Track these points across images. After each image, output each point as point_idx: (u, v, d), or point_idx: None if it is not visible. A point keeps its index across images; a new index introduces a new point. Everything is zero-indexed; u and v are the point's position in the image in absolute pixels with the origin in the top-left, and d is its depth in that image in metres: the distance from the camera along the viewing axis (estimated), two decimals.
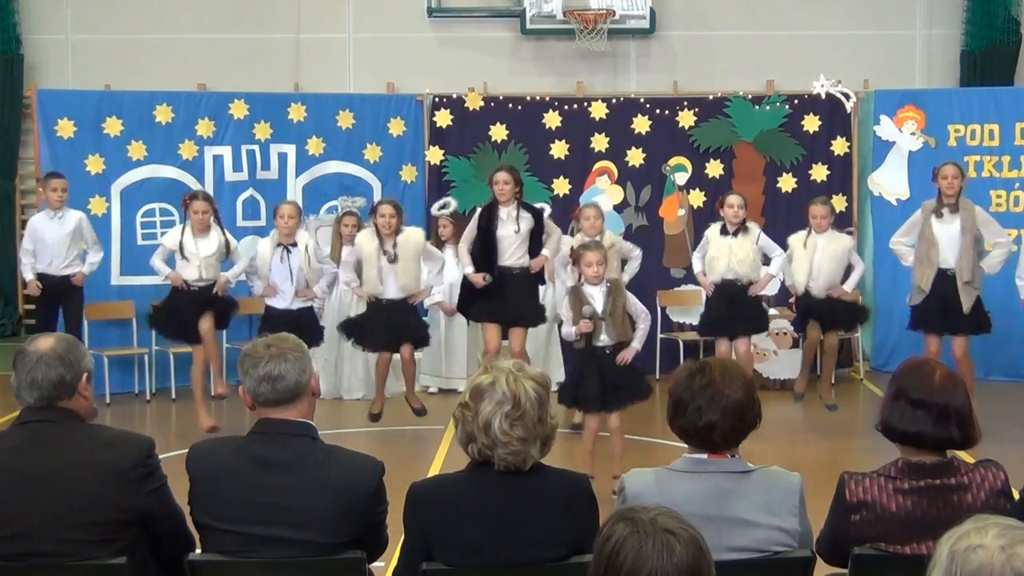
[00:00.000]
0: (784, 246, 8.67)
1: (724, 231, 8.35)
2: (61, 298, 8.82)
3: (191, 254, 8.32)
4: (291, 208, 8.49)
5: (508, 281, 8.24)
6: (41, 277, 8.91)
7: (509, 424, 2.95)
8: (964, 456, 3.32)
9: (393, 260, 8.09)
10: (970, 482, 3.18)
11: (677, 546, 2.00)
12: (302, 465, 3.11)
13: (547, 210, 9.79)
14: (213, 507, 3.09)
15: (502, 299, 8.21)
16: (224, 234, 8.54)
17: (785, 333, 9.95)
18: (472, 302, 8.39)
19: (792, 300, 8.65)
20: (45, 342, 3.22)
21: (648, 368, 10.30)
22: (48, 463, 3.09)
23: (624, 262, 8.58)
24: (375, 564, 3.26)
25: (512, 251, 8.22)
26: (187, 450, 3.24)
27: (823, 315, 8.45)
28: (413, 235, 8.33)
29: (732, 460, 3.11)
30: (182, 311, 8.41)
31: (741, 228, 8.31)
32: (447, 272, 9.05)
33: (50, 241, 8.86)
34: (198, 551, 3.22)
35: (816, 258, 8.35)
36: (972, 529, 1.90)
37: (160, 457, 3.26)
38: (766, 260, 8.59)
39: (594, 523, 3.06)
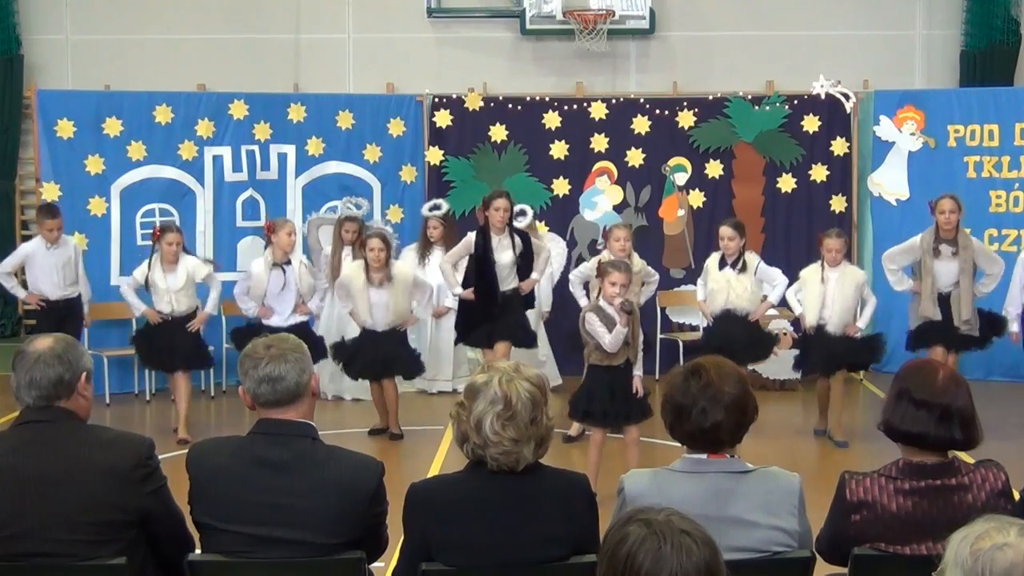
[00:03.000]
0: (784, 248, 8.63)
1: (723, 262, 8.29)
2: (62, 321, 8.66)
3: (161, 289, 8.45)
4: (293, 226, 8.69)
5: (503, 304, 8.40)
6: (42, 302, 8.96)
7: (501, 424, 2.94)
8: (964, 457, 3.31)
9: (382, 285, 8.21)
10: (971, 483, 3.18)
11: (694, 546, 2.00)
12: (302, 465, 3.11)
13: (528, 215, 9.79)
14: (213, 507, 3.09)
15: (498, 322, 8.35)
16: (191, 261, 8.65)
17: (785, 333, 9.93)
18: (472, 328, 8.51)
19: (804, 331, 8.41)
20: (43, 342, 3.22)
21: (648, 368, 10.33)
22: (48, 464, 3.08)
23: (641, 285, 8.61)
24: (375, 564, 3.26)
25: (507, 276, 8.40)
26: (187, 450, 3.24)
27: (826, 360, 8.19)
28: (403, 269, 8.54)
29: (731, 460, 3.11)
30: (158, 341, 8.52)
31: (739, 262, 8.25)
32: (432, 274, 9.14)
33: (45, 271, 8.87)
34: (198, 551, 3.22)
35: (829, 292, 8.14)
36: (992, 528, 1.89)
37: (160, 457, 3.26)
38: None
39: (593, 523, 3.06)
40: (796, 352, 8.63)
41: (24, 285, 9.20)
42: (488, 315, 8.37)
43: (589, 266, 8.33)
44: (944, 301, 8.26)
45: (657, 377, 10.20)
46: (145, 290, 8.57)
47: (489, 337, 8.41)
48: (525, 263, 8.48)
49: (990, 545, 1.86)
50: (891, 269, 8.49)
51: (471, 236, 8.51)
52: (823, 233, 8.45)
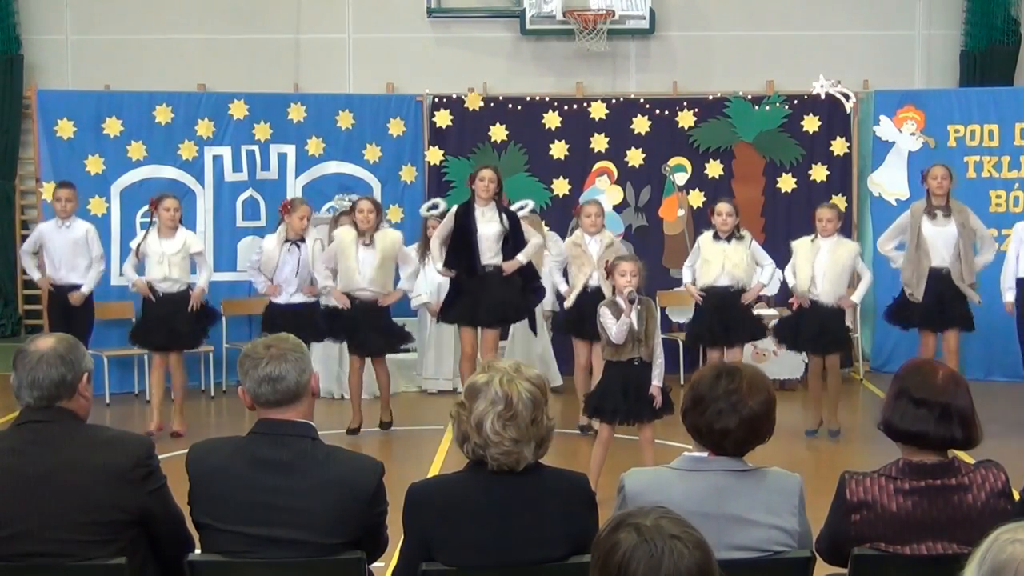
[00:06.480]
0: (784, 248, 8.62)
1: (716, 237, 8.24)
2: (70, 312, 8.66)
3: (155, 254, 8.34)
4: (307, 208, 8.68)
5: (486, 281, 8.18)
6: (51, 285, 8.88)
7: (501, 425, 2.94)
8: (964, 456, 3.32)
9: (369, 244, 8.16)
10: (971, 483, 3.18)
11: (686, 550, 2.01)
12: (302, 465, 3.11)
13: (529, 206, 9.81)
14: (213, 507, 3.09)
15: (479, 301, 8.17)
16: (190, 233, 8.64)
17: None
18: (452, 304, 8.36)
19: (793, 305, 8.34)
20: (46, 342, 3.21)
21: None
22: (48, 463, 3.08)
23: None
24: (375, 564, 3.26)
25: (489, 249, 8.19)
26: (187, 450, 3.24)
27: (810, 340, 8.18)
28: (391, 233, 8.53)
29: (732, 459, 3.11)
30: (155, 322, 8.40)
31: (734, 235, 8.21)
32: (432, 276, 9.07)
33: (57, 249, 8.77)
34: (198, 551, 3.22)
35: (820, 262, 8.08)
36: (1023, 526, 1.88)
37: (160, 457, 3.26)
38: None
39: (593, 523, 3.06)
40: (795, 354, 8.56)
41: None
42: (467, 289, 8.18)
43: (564, 250, 8.31)
44: (943, 280, 8.23)
45: None
46: (141, 265, 8.48)
47: (472, 318, 8.21)
48: (513, 244, 8.25)
49: (1008, 538, 1.84)
50: (889, 249, 8.57)
51: (453, 208, 8.45)
52: (816, 206, 8.48)
